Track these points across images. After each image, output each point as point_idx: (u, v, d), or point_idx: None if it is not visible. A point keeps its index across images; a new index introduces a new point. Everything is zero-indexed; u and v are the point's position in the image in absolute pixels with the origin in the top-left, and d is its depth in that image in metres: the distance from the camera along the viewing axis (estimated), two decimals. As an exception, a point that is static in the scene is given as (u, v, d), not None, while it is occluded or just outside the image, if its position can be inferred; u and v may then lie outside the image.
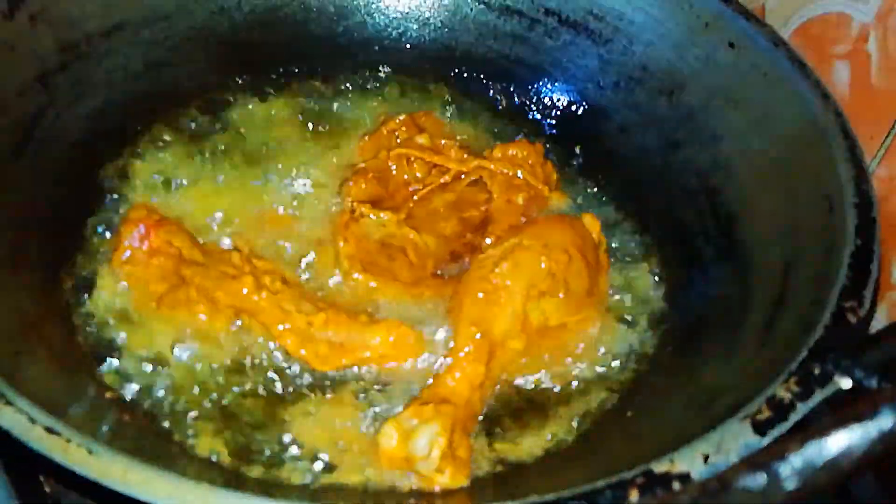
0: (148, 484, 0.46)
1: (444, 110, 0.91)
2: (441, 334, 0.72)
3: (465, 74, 0.94)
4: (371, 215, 0.78)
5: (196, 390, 0.66)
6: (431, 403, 0.64)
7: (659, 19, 0.85)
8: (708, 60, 0.82)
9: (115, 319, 0.70)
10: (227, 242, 0.76)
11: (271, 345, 0.69)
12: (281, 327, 0.69)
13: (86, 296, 0.71)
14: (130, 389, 0.66)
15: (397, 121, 0.85)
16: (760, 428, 0.51)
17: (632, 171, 0.86)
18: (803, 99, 0.73)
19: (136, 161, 0.81)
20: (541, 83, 0.92)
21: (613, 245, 0.80)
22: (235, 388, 0.67)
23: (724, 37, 0.80)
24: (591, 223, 0.77)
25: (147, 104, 0.83)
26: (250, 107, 0.88)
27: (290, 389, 0.67)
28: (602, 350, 0.73)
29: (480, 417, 0.67)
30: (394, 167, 0.83)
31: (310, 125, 0.88)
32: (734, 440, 0.51)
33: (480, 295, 0.70)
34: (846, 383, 0.53)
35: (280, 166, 0.83)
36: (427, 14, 0.94)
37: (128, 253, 0.72)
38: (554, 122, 0.92)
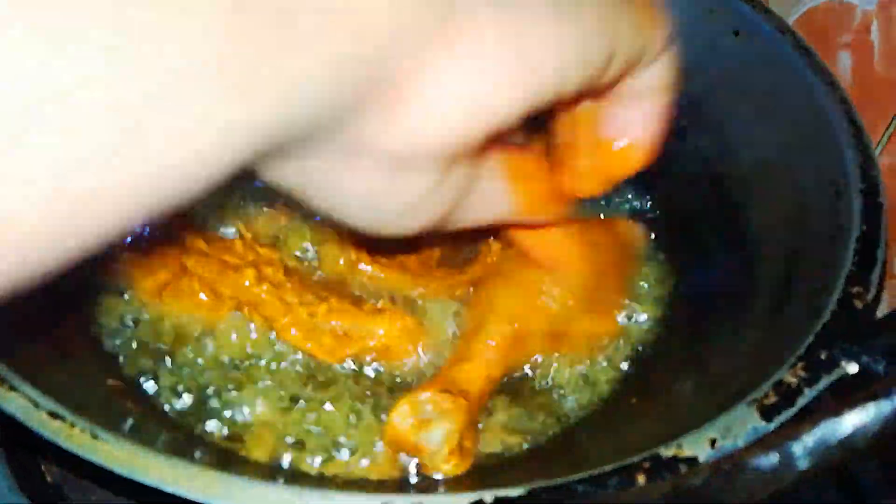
0: (154, 469, 0.46)
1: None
2: (448, 325, 0.71)
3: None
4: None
5: (201, 379, 0.66)
6: (450, 393, 0.62)
7: (661, 6, 0.84)
8: (712, 48, 0.81)
9: (115, 306, 0.70)
10: (230, 231, 0.76)
11: (273, 336, 0.69)
12: (284, 320, 0.68)
13: (88, 283, 0.70)
14: (133, 377, 0.66)
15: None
16: (767, 413, 0.51)
17: (637, 159, 0.85)
18: (809, 86, 0.73)
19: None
20: (544, 72, 0.92)
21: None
22: (239, 379, 0.66)
23: (729, 24, 0.80)
24: (629, 228, 0.77)
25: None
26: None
27: (295, 381, 0.67)
28: (609, 338, 0.72)
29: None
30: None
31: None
32: (741, 425, 0.51)
33: (515, 289, 0.69)
34: (853, 368, 0.53)
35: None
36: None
37: (128, 240, 0.72)
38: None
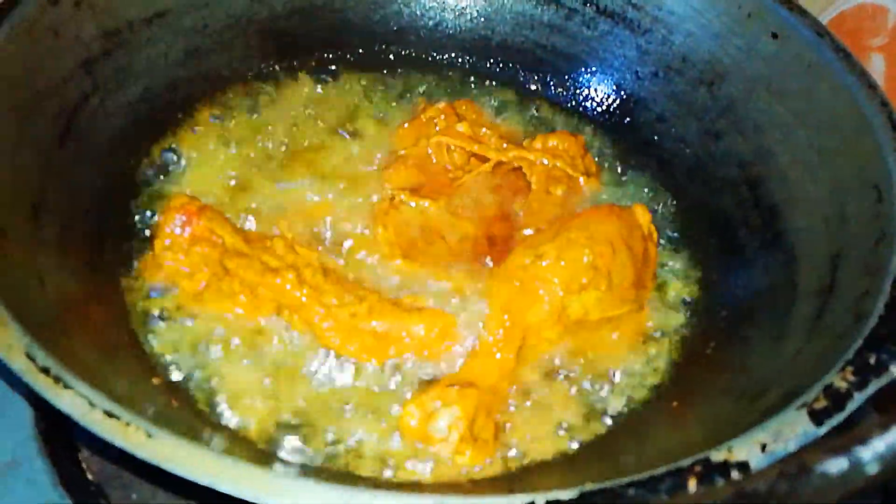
0: (208, 467, 0.47)
1: (480, 100, 0.91)
2: (479, 321, 0.71)
3: (502, 64, 0.94)
4: (411, 202, 0.78)
5: (240, 378, 0.66)
6: (456, 386, 0.64)
7: (699, 9, 0.84)
8: (750, 51, 0.81)
9: (156, 306, 0.70)
10: (267, 230, 0.76)
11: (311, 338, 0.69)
12: (325, 325, 0.68)
13: (128, 282, 0.71)
14: (175, 374, 0.66)
15: (436, 108, 0.85)
16: (817, 417, 0.51)
17: (671, 160, 0.85)
18: (848, 89, 0.73)
19: (176, 148, 0.81)
20: (578, 73, 0.92)
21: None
22: (279, 377, 0.67)
23: (767, 27, 0.80)
24: (642, 214, 0.76)
25: (187, 91, 0.84)
26: (288, 94, 0.88)
27: (333, 380, 0.67)
28: (644, 340, 0.73)
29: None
30: (433, 155, 0.83)
31: (347, 113, 0.88)
32: (791, 429, 0.51)
33: (517, 283, 0.70)
34: (902, 373, 0.53)
35: (318, 153, 0.83)
36: (463, 4, 0.94)
37: (169, 240, 0.72)
38: (591, 112, 0.91)
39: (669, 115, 0.87)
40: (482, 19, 0.94)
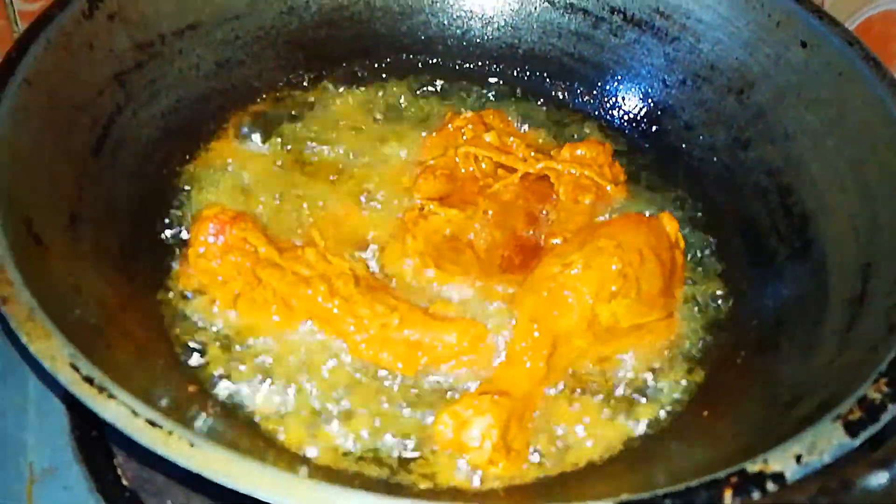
0: (250, 476, 0.47)
1: (507, 109, 0.91)
2: (508, 330, 0.72)
3: (529, 73, 0.95)
4: (440, 212, 0.79)
5: (275, 387, 0.67)
6: (488, 394, 0.64)
7: (728, 18, 0.85)
8: (779, 59, 0.81)
9: (191, 314, 0.71)
10: (298, 239, 0.77)
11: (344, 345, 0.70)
12: (358, 338, 0.69)
13: (162, 291, 0.72)
14: (208, 382, 0.67)
15: (464, 118, 0.86)
16: (852, 429, 0.51)
17: (699, 169, 0.86)
18: (879, 98, 0.73)
19: (208, 158, 0.82)
20: (605, 82, 0.92)
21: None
22: (311, 385, 0.67)
23: (796, 36, 0.80)
24: (670, 222, 0.76)
25: (218, 102, 0.85)
26: (317, 104, 0.89)
27: (365, 390, 0.68)
28: (674, 350, 0.73)
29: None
30: (461, 164, 0.83)
31: (375, 122, 0.88)
32: (827, 441, 0.51)
33: (545, 293, 0.71)
34: (937, 384, 0.53)
35: (347, 163, 0.84)
36: (490, 13, 0.95)
37: (202, 248, 0.73)
38: (619, 120, 0.92)
39: (697, 123, 0.87)
40: (509, 28, 0.95)
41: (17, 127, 0.64)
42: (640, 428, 0.67)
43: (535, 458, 0.65)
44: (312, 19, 0.91)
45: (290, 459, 0.61)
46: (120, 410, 0.49)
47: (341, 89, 0.91)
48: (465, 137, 0.85)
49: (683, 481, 0.49)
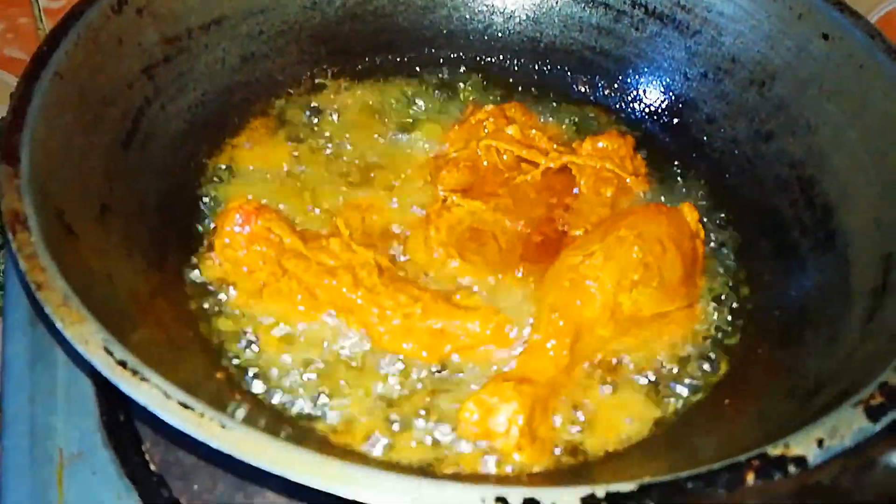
0: (282, 459, 0.48)
1: (529, 103, 0.92)
2: (531, 319, 0.73)
3: (550, 67, 0.95)
4: (462, 204, 0.79)
5: (298, 374, 0.68)
6: (512, 381, 0.65)
7: (749, 10, 0.85)
8: (800, 52, 0.81)
9: (217, 303, 0.72)
10: (322, 229, 0.78)
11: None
12: (381, 329, 0.70)
13: (190, 280, 0.73)
14: (236, 369, 0.68)
15: (485, 111, 0.87)
16: (874, 414, 0.52)
17: (721, 161, 0.86)
18: (901, 90, 0.73)
19: (234, 152, 0.83)
20: (627, 75, 0.93)
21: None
22: (336, 374, 0.68)
23: (818, 28, 0.80)
24: (690, 213, 0.77)
25: (243, 95, 0.86)
26: (340, 98, 0.90)
27: (389, 379, 0.69)
28: (697, 339, 0.73)
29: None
30: (483, 157, 0.84)
31: (398, 115, 0.89)
32: (848, 425, 0.51)
33: (567, 283, 0.71)
34: (957, 371, 0.53)
35: (370, 156, 0.85)
36: (512, 7, 0.95)
37: (228, 239, 0.74)
38: (640, 113, 0.92)
39: (719, 116, 0.88)
40: (531, 22, 0.95)
41: (49, 121, 0.66)
42: (663, 416, 0.68)
43: (559, 444, 0.65)
44: (336, 14, 0.92)
45: (318, 442, 0.62)
46: (153, 393, 0.50)
47: (364, 83, 0.92)
48: (486, 130, 0.86)
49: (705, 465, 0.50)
